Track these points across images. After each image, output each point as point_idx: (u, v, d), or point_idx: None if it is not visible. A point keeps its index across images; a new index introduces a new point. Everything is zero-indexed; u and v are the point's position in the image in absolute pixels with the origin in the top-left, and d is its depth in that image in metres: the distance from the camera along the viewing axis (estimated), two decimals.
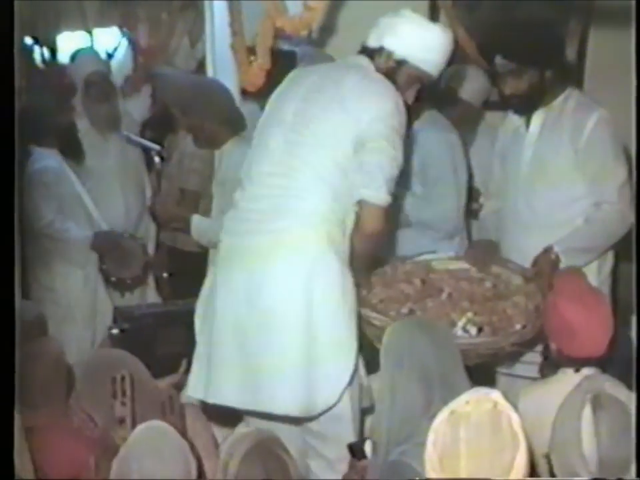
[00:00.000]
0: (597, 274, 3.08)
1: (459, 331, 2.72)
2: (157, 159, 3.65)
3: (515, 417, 1.75)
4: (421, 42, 2.66)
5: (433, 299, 2.89)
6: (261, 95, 3.27)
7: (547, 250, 2.94)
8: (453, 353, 2.43)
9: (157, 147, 3.72)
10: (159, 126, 4.26)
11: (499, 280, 3.02)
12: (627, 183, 3.01)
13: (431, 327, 2.48)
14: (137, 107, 4.29)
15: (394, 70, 2.67)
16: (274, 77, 3.26)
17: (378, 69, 2.68)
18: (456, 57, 4.17)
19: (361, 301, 2.71)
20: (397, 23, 2.69)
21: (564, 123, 3.02)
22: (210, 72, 4.07)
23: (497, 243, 3.17)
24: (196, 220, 3.55)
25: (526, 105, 3.06)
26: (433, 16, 4.15)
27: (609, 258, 3.16)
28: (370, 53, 2.70)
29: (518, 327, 2.73)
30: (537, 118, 3.07)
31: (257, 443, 2.12)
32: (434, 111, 3.45)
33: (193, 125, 3.58)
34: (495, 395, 1.77)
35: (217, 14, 3.93)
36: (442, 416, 1.77)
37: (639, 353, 1.84)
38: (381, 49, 2.68)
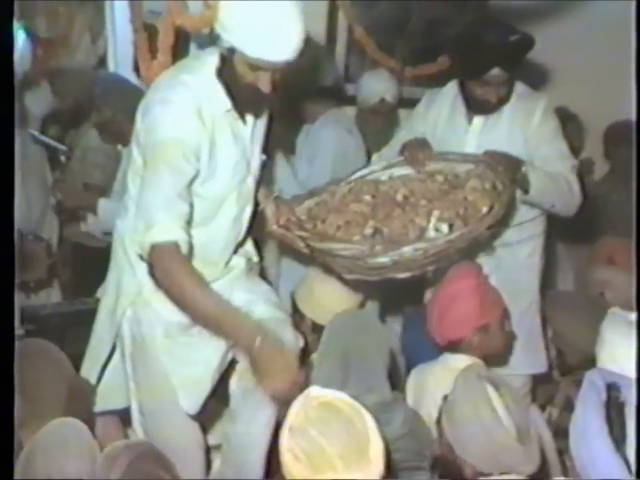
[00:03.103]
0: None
1: (431, 233, 2.60)
2: (62, 159, 3.64)
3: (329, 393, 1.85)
4: (247, 25, 2.22)
5: (392, 211, 2.75)
6: None
7: (520, 161, 2.84)
8: (378, 343, 2.52)
9: (63, 147, 3.71)
10: (61, 121, 4.21)
11: (444, 173, 2.91)
12: (576, 166, 3.04)
13: (364, 319, 2.63)
14: (36, 102, 4.20)
15: (229, 59, 2.32)
16: None
17: (222, 59, 2.37)
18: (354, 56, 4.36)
19: (318, 236, 2.62)
20: (223, 2, 2.29)
21: (512, 113, 3.02)
22: (111, 68, 4.06)
23: (428, 141, 3.05)
24: (103, 204, 3.56)
25: (499, 106, 3.01)
26: (332, 14, 4.23)
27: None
28: None
29: (485, 209, 2.62)
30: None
31: (134, 458, 2.06)
32: (337, 109, 3.54)
33: (103, 120, 3.61)
34: (313, 390, 1.86)
35: (118, 10, 3.92)
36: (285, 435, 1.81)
37: (639, 352, 1.90)
38: (218, 35, 2.33)
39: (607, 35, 4.77)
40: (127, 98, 3.47)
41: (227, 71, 2.36)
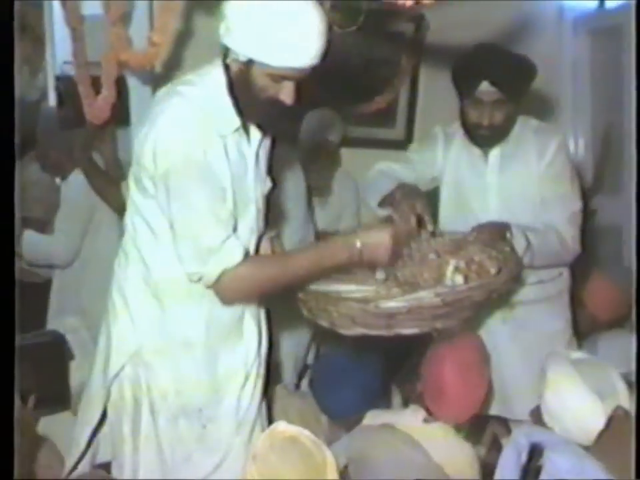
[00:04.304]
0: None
1: (448, 282, 2.48)
2: None
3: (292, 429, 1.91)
4: (266, 33, 2.01)
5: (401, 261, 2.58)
6: None
7: (504, 225, 2.74)
8: None
9: None
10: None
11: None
12: (580, 213, 2.95)
13: None
14: None
15: (245, 73, 2.10)
16: (119, 110, 3.34)
17: (233, 74, 2.14)
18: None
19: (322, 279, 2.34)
20: (230, 12, 2.06)
21: (526, 149, 2.95)
22: (52, 102, 4.04)
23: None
24: (28, 236, 3.56)
25: (496, 137, 2.92)
26: None
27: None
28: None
29: (493, 270, 2.50)
30: (496, 149, 2.95)
31: None
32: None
33: (40, 154, 3.70)
34: (280, 425, 1.92)
35: (59, 44, 3.91)
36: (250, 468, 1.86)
37: (639, 351, 1.91)
38: (228, 49, 2.11)
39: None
40: (61, 134, 3.52)
41: (241, 86, 2.13)
